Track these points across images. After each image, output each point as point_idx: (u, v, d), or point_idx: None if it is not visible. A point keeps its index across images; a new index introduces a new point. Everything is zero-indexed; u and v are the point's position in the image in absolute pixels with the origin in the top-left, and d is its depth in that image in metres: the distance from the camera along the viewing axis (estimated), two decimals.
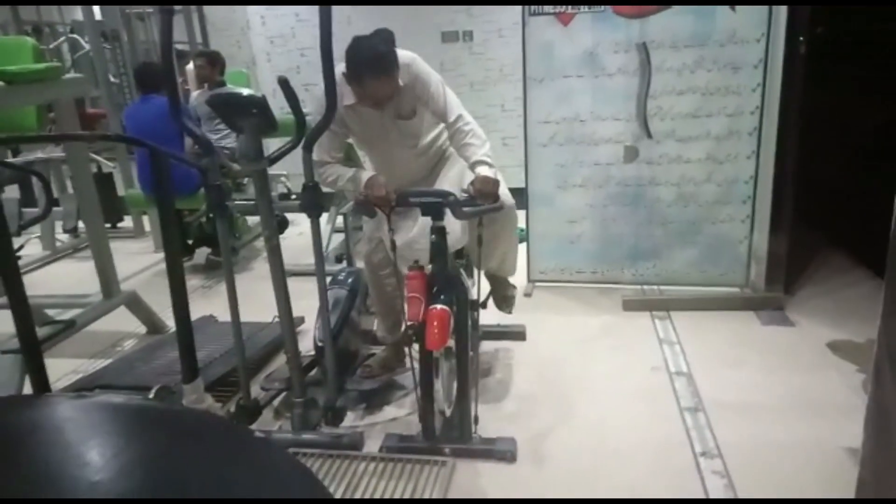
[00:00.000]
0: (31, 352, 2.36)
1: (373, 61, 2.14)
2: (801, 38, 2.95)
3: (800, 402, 2.49)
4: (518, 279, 3.41)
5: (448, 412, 2.30)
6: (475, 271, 2.53)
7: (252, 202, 2.44)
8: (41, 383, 2.40)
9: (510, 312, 2.87)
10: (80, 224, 5.01)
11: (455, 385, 2.29)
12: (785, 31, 3.07)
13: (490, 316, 2.89)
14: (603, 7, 3.28)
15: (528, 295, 3.63)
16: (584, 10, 3.31)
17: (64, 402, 1.01)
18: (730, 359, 2.85)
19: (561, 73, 3.42)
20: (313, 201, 2.25)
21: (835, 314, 3.22)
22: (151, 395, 2.28)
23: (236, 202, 2.88)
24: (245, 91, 2.16)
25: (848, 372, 2.70)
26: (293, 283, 2.37)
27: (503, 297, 2.84)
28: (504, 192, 2.40)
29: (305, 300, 2.75)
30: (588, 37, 3.34)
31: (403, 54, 2.27)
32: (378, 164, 2.55)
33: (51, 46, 5.81)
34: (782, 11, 3.08)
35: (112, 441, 0.86)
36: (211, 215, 3.87)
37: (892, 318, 1.46)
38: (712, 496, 2.01)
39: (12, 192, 4.77)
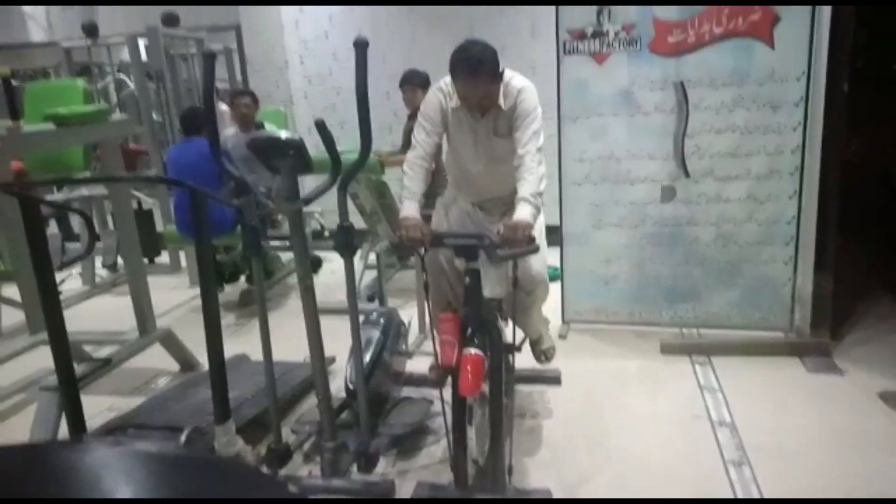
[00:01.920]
0: (69, 390, 2.39)
1: (466, 60, 2.22)
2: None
3: (852, 458, 2.36)
4: (552, 320, 3.36)
5: (481, 461, 2.24)
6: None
7: (286, 239, 2.45)
8: (77, 421, 2.43)
9: (547, 362, 2.82)
10: (119, 259, 5.13)
11: (489, 433, 2.23)
12: (826, 70, 3.01)
13: (524, 359, 2.82)
14: (639, 46, 3.27)
15: (562, 337, 3.56)
16: (619, 50, 3.30)
17: (99, 449, 1.02)
18: (775, 408, 2.73)
19: (596, 112, 3.40)
20: (347, 241, 2.24)
21: (886, 361, 3.07)
22: (184, 437, 2.27)
23: (271, 242, 2.90)
24: (283, 134, 2.18)
25: None
26: (324, 321, 2.35)
27: (540, 350, 2.79)
28: (539, 270, 2.42)
29: (336, 339, 2.73)
30: (623, 75, 3.32)
31: (521, 80, 2.35)
32: (458, 173, 2.58)
33: (98, 86, 6.04)
34: (823, 49, 3.03)
35: (143, 490, 0.87)
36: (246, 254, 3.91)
37: None
38: None
39: (51, 226, 4.93)
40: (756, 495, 2.17)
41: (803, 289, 3.29)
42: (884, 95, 3.65)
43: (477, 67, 2.21)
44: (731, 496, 2.17)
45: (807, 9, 3.03)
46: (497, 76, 2.27)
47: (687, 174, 3.30)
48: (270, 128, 4.49)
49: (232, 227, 3.80)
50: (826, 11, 2.99)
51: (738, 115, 3.23)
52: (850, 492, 2.16)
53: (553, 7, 3.37)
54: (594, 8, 3.29)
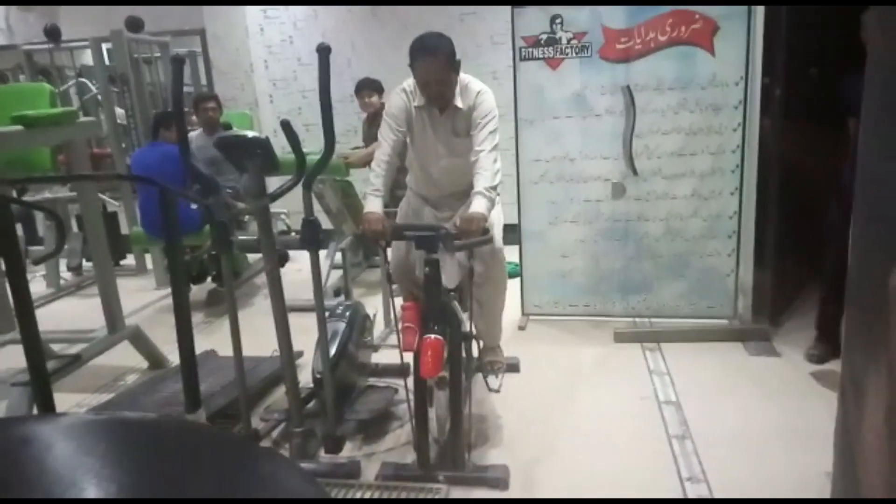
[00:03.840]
0: (40, 384, 2.45)
1: (425, 41, 2.41)
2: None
3: (784, 431, 2.56)
4: (513, 312, 3.53)
5: (442, 440, 2.37)
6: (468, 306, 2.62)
7: (254, 239, 2.55)
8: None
9: (497, 389, 2.73)
10: (84, 262, 5.12)
11: (449, 414, 2.37)
12: (761, 75, 3.25)
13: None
14: (590, 52, 3.46)
15: (522, 328, 3.72)
16: (572, 56, 3.49)
17: (80, 419, 1.09)
18: (717, 389, 2.93)
19: (551, 114, 3.58)
20: (313, 236, 2.36)
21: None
22: None
23: (239, 238, 2.99)
24: (250, 133, 2.29)
25: (831, 400, 2.71)
26: (292, 319, 2.46)
27: (487, 361, 2.79)
28: (496, 238, 2.51)
29: (304, 335, 2.83)
30: (576, 80, 3.51)
31: (479, 84, 2.53)
32: (419, 171, 2.72)
33: (60, 90, 5.99)
34: (758, 56, 3.25)
35: (127, 455, 0.94)
36: (214, 252, 3.98)
37: (851, 345, 1.56)
38: None
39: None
40: (696, 467, 2.35)
41: (745, 279, 3.51)
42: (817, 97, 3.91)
43: (434, 49, 2.39)
44: (674, 465, 2.35)
45: (744, 18, 3.26)
46: (454, 63, 2.44)
47: (635, 172, 3.50)
48: (237, 128, 4.57)
49: (199, 226, 3.87)
50: (760, 21, 3.22)
51: (682, 117, 3.44)
52: (779, 461, 2.36)
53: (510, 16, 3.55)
54: (548, 16, 3.48)
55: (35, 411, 2.51)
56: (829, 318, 3.07)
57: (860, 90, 2.70)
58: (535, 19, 3.50)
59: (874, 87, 1.42)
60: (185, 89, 5.74)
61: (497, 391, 2.75)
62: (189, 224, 3.89)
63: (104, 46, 5.33)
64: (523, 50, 3.54)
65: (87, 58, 5.81)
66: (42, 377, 2.48)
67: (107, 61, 5.48)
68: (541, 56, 3.52)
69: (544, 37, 3.50)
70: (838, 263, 2.89)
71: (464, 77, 2.51)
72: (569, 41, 3.48)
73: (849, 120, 2.84)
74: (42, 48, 5.86)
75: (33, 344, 2.45)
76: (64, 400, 3.01)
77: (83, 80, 6.16)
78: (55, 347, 3.28)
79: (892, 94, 1.33)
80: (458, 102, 2.48)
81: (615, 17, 3.41)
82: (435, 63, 2.38)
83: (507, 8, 3.59)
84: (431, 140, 2.58)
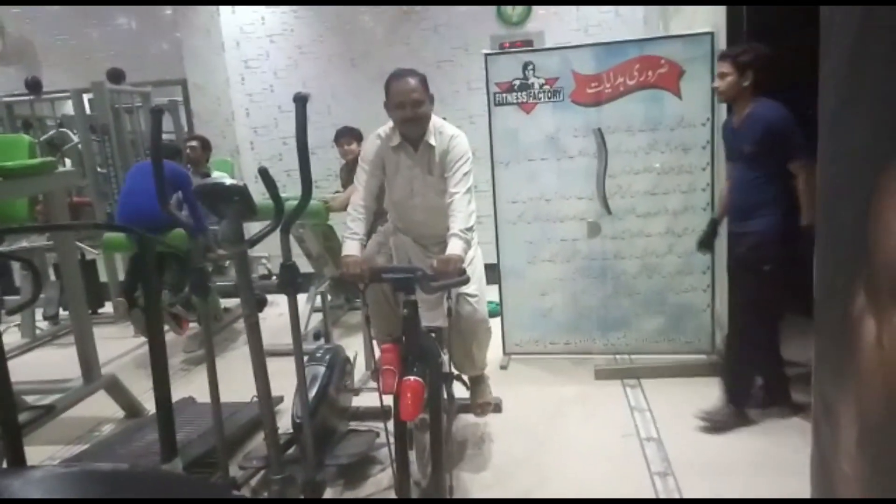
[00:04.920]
0: (11, 436, 2.39)
1: (397, 70, 2.55)
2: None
3: (765, 464, 2.57)
4: (494, 352, 3.52)
5: (424, 483, 2.35)
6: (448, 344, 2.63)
7: (231, 283, 2.56)
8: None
9: (482, 415, 2.87)
10: (61, 311, 5.05)
11: (430, 456, 2.35)
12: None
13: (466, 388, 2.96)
14: (562, 97, 3.57)
15: (503, 367, 3.72)
16: (545, 100, 3.60)
17: (50, 471, 1.08)
18: (697, 424, 2.93)
19: (526, 157, 3.67)
20: (290, 280, 2.37)
21: (795, 377, 3.33)
22: None
23: (218, 283, 2.99)
24: (228, 180, 2.32)
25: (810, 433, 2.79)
26: (272, 363, 2.43)
27: (479, 404, 2.82)
28: (483, 315, 2.59)
29: (284, 379, 2.80)
30: (549, 123, 3.61)
31: (453, 128, 2.61)
32: (396, 212, 2.76)
33: (40, 140, 6.01)
34: None
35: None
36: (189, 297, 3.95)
37: (822, 373, 1.59)
38: None
39: None
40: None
41: (721, 314, 3.56)
42: None
43: (408, 72, 2.52)
44: None
45: (707, 62, 3.39)
46: (427, 88, 2.54)
47: (609, 211, 3.58)
48: (216, 174, 4.60)
49: (170, 226, 3.74)
50: None
51: (653, 157, 3.54)
52: (760, 494, 2.35)
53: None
54: (520, 62, 3.60)
55: (4, 465, 2.46)
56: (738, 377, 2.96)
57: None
58: (508, 66, 3.62)
59: (827, 115, 1.49)
60: (167, 137, 5.81)
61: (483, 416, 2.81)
62: (163, 220, 3.79)
63: (85, 97, 5.39)
64: (497, 95, 3.64)
65: (69, 108, 5.85)
66: (12, 429, 2.42)
67: (88, 111, 5.52)
68: (515, 101, 3.63)
69: (517, 82, 3.62)
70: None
71: (438, 120, 2.60)
72: (541, 86, 3.59)
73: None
74: (23, 100, 5.89)
75: (3, 395, 2.40)
76: (37, 452, 2.94)
77: (64, 129, 6.18)
78: (29, 398, 3.21)
79: (845, 121, 1.40)
80: (432, 140, 2.55)
81: (585, 62, 3.53)
82: (409, 83, 2.48)
83: (482, 55, 3.71)
84: (406, 178, 2.63)
